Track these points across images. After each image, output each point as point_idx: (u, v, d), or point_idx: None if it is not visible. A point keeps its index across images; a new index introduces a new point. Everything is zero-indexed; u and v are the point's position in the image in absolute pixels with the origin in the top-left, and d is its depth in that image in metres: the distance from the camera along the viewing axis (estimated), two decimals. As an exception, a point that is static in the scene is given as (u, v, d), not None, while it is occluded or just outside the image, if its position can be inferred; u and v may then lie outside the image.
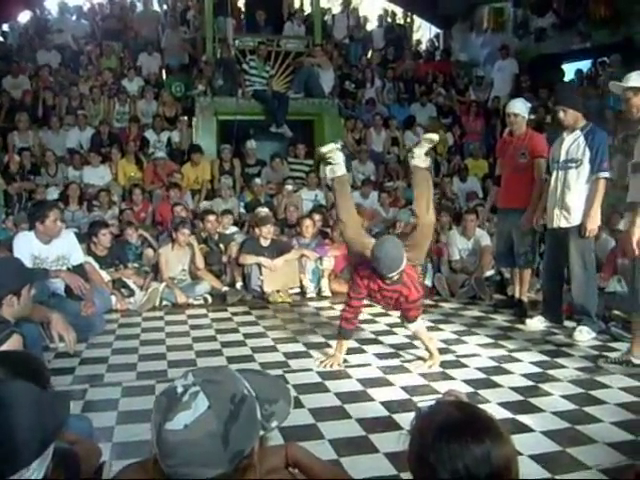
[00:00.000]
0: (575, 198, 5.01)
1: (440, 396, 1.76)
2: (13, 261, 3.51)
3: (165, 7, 13.68)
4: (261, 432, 1.37)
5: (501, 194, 5.99)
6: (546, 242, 5.61)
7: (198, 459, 1.24)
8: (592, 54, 11.82)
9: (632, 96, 4.37)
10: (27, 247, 5.00)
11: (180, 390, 1.30)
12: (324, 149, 4.57)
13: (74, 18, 13.32)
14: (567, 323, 5.35)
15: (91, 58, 11.58)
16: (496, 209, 6.38)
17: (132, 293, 6.21)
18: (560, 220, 5.11)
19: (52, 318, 3.62)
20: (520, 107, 5.71)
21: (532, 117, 8.50)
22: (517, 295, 6.00)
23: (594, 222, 4.93)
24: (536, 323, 5.42)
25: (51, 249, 5.13)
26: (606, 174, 4.92)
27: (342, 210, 4.54)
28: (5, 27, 12.96)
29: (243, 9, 12.03)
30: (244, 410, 1.31)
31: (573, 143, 5.04)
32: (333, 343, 4.89)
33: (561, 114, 5.10)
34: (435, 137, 4.73)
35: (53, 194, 8.29)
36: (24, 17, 13.20)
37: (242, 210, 8.70)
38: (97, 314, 5.18)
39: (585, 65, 12.08)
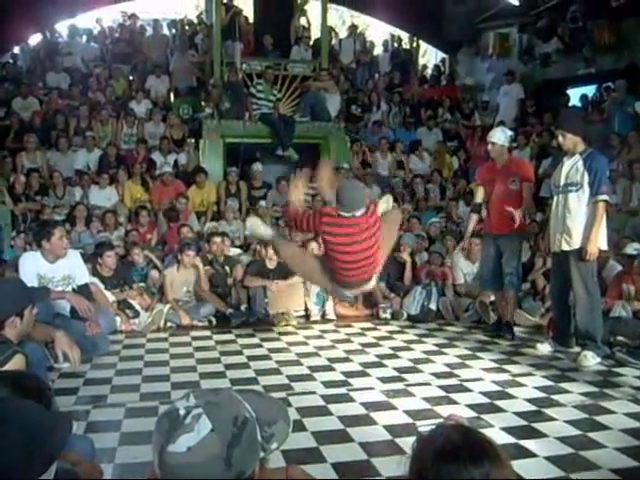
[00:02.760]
0: (576, 221, 5.03)
1: (442, 420, 1.76)
2: (14, 282, 3.52)
3: (174, 31, 13.81)
4: (261, 454, 1.37)
5: (490, 220, 5.93)
6: (551, 266, 5.62)
7: None
8: (597, 79, 11.87)
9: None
10: (33, 267, 5.03)
11: (182, 412, 1.30)
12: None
13: (84, 41, 13.45)
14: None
15: (100, 81, 11.70)
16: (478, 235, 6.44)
17: (137, 314, 6.22)
18: (562, 244, 5.12)
19: (56, 336, 3.64)
20: (499, 136, 5.80)
21: (514, 145, 8.62)
22: (507, 317, 6.04)
23: (595, 245, 4.94)
24: (546, 347, 5.40)
25: (57, 269, 5.15)
26: (605, 197, 4.96)
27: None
28: (16, 49, 13.13)
29: (251, 33, 12.14)
30: (246, 432, 1.31)
31: (572, 167, 5.10)
32: (337, 366, 4.90)
33: (560, 138, 5.20)
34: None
35: (60, 215, 8.33)
36: (35, 39, 13.35)
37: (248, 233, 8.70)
38: (102, 335, 5.19)
39: (590, 90, 12.12)
